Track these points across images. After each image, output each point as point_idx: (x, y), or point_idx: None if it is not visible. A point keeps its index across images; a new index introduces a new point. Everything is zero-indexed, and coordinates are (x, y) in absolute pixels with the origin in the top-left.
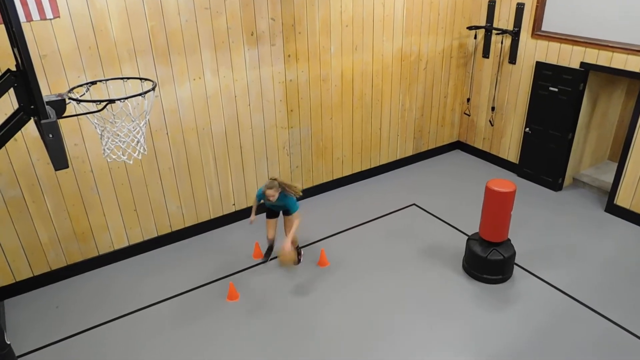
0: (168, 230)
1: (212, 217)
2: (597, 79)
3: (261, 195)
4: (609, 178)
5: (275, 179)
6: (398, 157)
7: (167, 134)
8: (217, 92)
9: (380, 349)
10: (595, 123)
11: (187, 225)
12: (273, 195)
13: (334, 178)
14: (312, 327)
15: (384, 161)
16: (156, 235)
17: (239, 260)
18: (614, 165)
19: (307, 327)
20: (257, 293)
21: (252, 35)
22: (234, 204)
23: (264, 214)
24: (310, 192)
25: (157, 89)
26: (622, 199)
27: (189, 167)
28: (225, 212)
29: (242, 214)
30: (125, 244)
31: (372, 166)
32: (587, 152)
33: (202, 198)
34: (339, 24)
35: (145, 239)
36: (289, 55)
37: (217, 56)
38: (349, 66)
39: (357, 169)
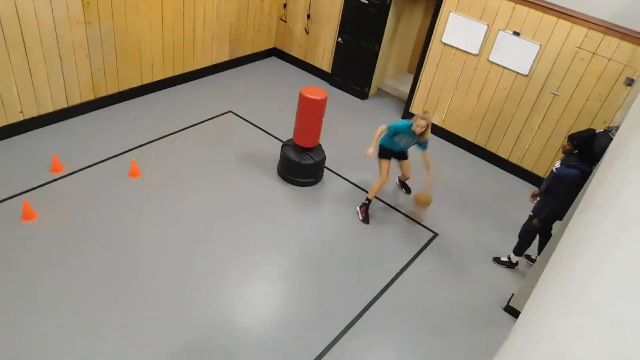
0: None
1: None
2: None
3: (399, 128)
4: (407, 89)
5: (428, 112)
6: (213, 63)
7: None
8: None
9: (201, 253)
10: (398, 37)
11: None
12: (423, 127)
13: (144, 83)
14: (129, 240)
15: (198, 66)
16: None
17: (34, 176)
18: (411, 77)
19: (124, 240)
20: (59, 209)
21: None
22: (22, 112)
23: None
24: (117, 98)
25: None
26: (415, 107)
27: None
28: (11, 121)
29: (34, 123)
30: None
31: (186, 71)
32: (390, 64)
33: None
34: None
35: None
36: None
37: None
38: None
39: (169, 74)
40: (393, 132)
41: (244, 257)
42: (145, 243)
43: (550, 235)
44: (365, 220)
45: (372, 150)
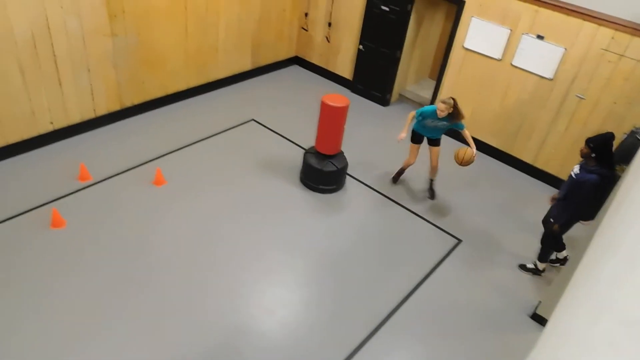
0: None
1: (24, 138)
2: (422, 1)
3: (425, 112)
4: (428, 94)
5: (452, 98)
6: (235, 72)
7: None
8: None
9: (224, 260)
10: (420, 43)
11: None
12: (443, 110)
13: (168, 93)
14: (154, 247)
15: (221, 75)
16: None
17: (63, 184)
18: (433, 83)
19: (149, 248)
20: (87, 217)
21: None
22: (52, 123)
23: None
24: (142, 107)
25: None
26: None
27: None
28: (42, 132)
29: (63, 133)
30: None
31: (209, 80)
32: (411, 70)
33: (6, 116)
34: None
35: None
36: None
37: None
38: None
39: (193, 84)
40: (420, 116)
41: (264, 262)
42: (170, 250)
43: (559, 236)
44: (395, 179)
45: (404, 134)
